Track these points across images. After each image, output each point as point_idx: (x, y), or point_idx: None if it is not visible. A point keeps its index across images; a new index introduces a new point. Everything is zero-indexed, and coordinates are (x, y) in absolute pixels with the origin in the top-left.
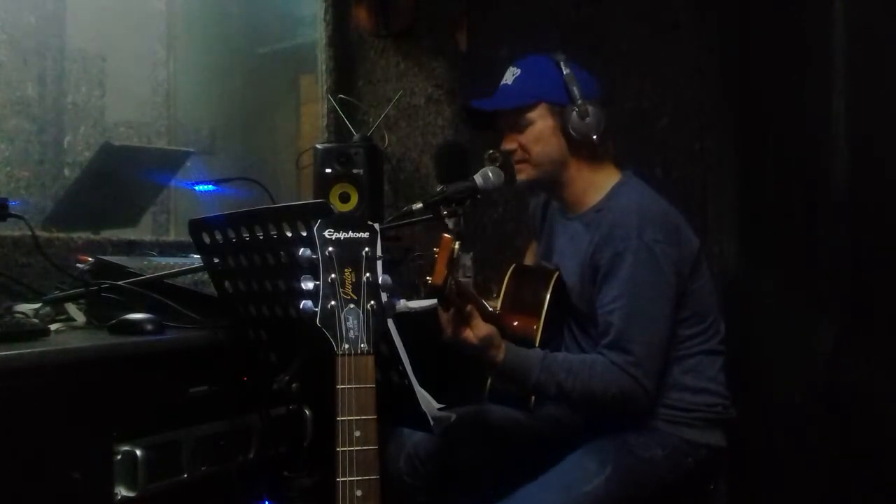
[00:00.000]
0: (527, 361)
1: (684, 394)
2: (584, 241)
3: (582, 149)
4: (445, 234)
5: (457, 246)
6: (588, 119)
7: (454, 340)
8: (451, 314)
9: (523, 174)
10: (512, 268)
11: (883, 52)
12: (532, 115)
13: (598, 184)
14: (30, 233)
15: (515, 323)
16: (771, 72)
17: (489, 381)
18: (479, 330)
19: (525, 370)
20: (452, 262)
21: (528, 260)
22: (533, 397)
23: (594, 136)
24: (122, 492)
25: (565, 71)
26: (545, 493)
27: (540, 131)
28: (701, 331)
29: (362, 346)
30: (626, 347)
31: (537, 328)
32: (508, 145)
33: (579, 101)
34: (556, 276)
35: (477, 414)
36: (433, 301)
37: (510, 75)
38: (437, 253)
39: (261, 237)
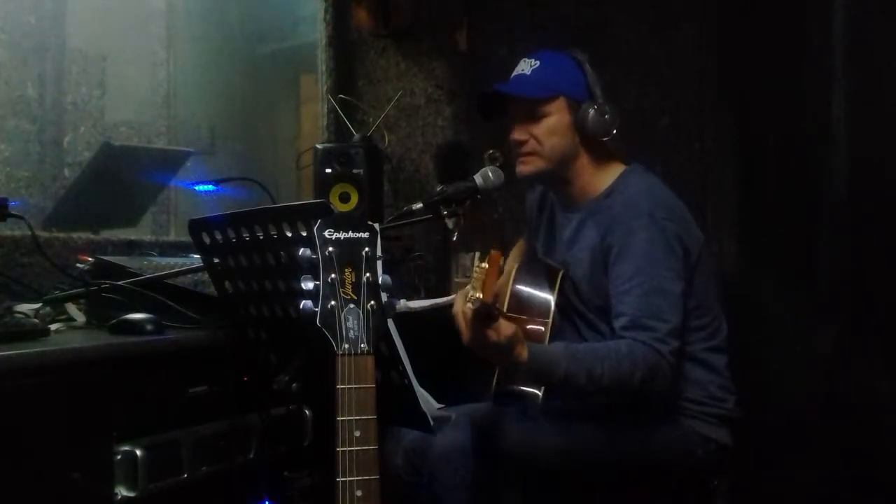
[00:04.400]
0: (552, 355)
1: (696, 387)
2: (593, 227)
3: (593, 146)
4: (494, 250)
5: (503, 261)
6: (606, 117)
7: (479, 343)
8: (476, 318)
9: (529, 166)
10: (514, 268)
11: (883, 51)
12: (550, 107)
13: (602, 176)
14: (30, 233)
15: (529, 326)
16: (770, 72)
17: (495, 382)
18: (505, 328)
19: (552, 364)
20: (499, 277)
21: (512, 259)
22: (540, 398)
23: (611, 135)
24: (122, 492)
25: (589, 70)
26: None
27: (555, 124)
28: (705, 324)
29: (362, 346)
30: (647, 325)
31: (546, 329)
32: (519, 136)
33: (600, 100)
34: (560, 275)
35: (475, 411)
36: (433, 301)
37: (527, 66)
38: (481, 268)
39: (261, 237)
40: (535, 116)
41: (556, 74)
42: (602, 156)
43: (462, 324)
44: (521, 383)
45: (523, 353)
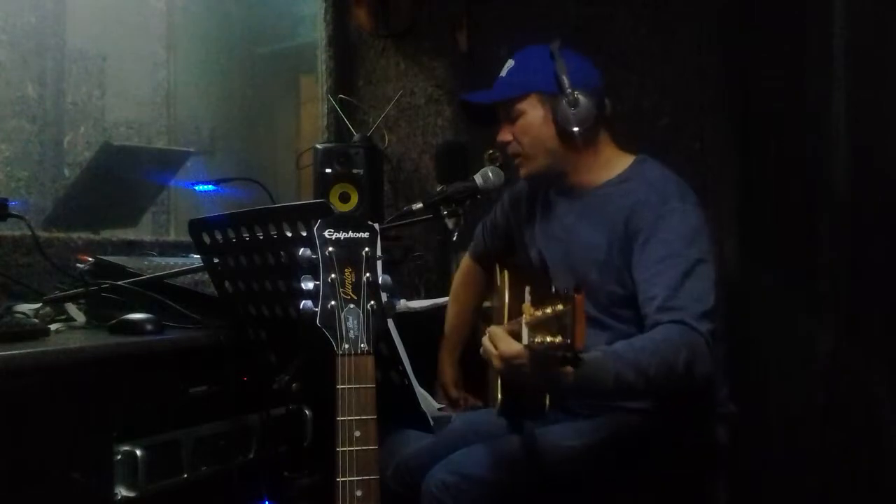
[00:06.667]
0: (597, 361)
1: None
2: (610, 210)
3: (576, 137)
4: (577, 294)
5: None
6: (578, 108)
7: (545, 382)
8: (557, 362)
9: (524, 168)
10: (507, 276)
11: (883, 51)
12: (522, 105)
13: (608, 161)
14: (30, 233)
15: None
16: (771, 72)
17: (500, 395)
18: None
19: (599, 369)
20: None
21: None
22: (548, 404)
23: (582, 127)
24: (122, 492)
25: (558, 59)
26: (522, 440)
27: (530, 122)
28: None
29: (362, 346)
30: (681, 305)
31: None
32: (503, 137)
33: (568, 90)
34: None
35: (471, 431)
36: (433, 301)
37: (506, 68)
38: (559, 308)
39: (261, 237)
40: (512, 117)
41: (527, 72)
42: (591, 144)
43: (508, 353)
44: (528, 395)
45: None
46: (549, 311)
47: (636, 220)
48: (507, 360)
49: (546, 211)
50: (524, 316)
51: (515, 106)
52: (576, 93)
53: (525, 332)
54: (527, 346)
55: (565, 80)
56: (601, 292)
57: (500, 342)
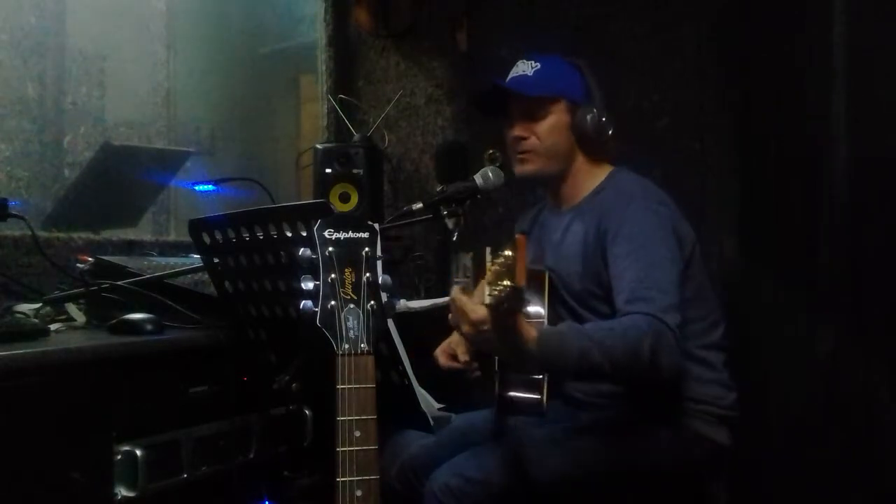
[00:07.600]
0: (560, 333)
1: (695, 386)
2: (583, 222)
3: (588, 147)
4: (519, 234)
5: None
6: (603, 120)
7: (504, 333)
8: (508, 303)
9: (528, 164)
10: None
11: (883, 51)
12: (552, 107)
13: (592, 177)
14: (30, 233)
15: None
16: (771, 72)
17: (497, 392)
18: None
19: (562, 341)
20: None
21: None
22: (545, 403)
23: (606, 137)
24: (122, 492)
25: (590, 76)
26: (523, 442)
27: (554, 124)
28: (702, 316)
29: (362, 346)
30: (647, 296)
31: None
32: (521, 132)
33: (599, 104)
34: (546, 276)
35: (473, 431)
36: (433, 301)
37: (528, 67)
38: (506, 256)
39: (261, 237)
40: (536, 116)
41: (557, 76)
42: (597, 157)
43: (474, 317)
44: (524, 390)
45: (532, 333)
46: (500, 261)
47: (604, 223)
48: (474, 324)
49: (540, 232)
50: (486, 274)
51: (544, 106)
52: (603, 109)
53: (486, 290)
54: (487, 305)
55: (597, 96)
56: (586, 298)
57: (465, 306)
